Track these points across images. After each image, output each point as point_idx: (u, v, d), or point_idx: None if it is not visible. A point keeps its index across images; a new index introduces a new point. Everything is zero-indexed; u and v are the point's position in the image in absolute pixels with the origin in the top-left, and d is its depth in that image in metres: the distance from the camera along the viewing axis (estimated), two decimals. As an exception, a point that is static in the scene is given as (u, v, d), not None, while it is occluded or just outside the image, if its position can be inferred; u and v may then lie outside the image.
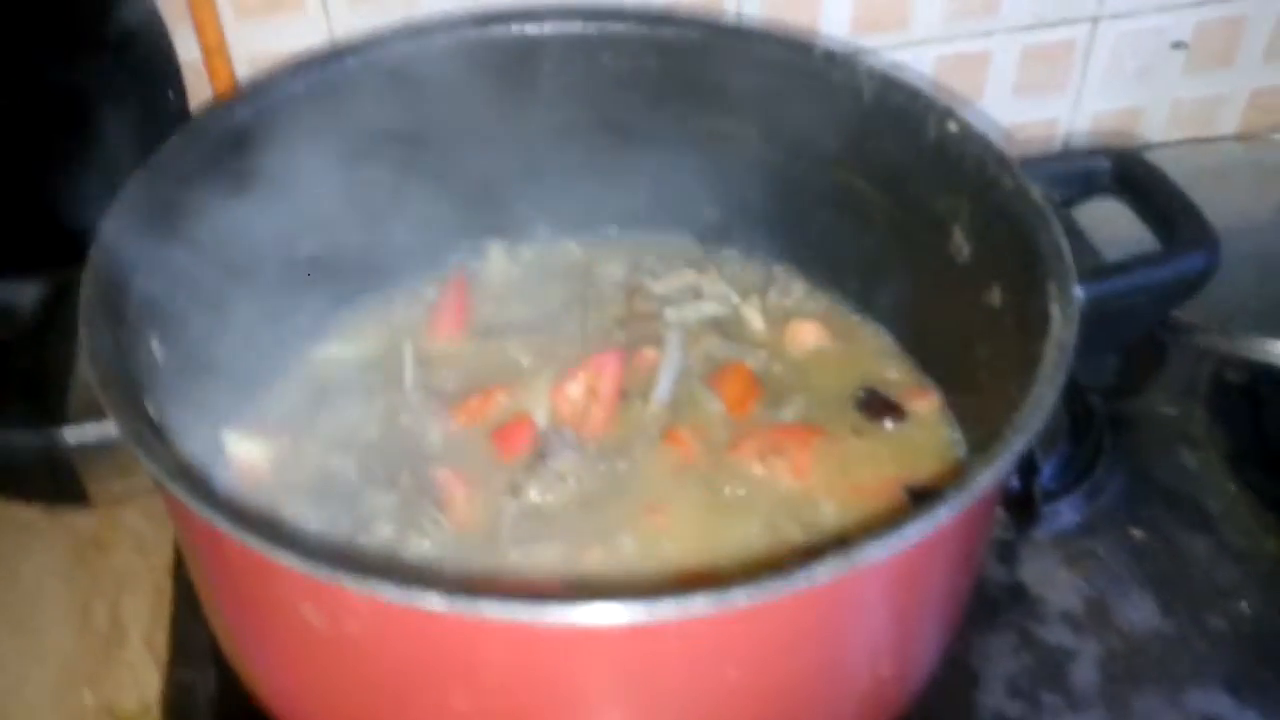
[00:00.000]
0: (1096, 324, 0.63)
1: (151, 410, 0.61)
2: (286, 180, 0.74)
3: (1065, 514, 0.87)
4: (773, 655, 0.52)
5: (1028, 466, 0.85)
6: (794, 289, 0.83)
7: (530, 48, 0.78)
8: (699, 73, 0.78)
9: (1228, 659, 0.78)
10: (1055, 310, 0.58)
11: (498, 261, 0.85)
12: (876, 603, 0.53)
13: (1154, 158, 1.13)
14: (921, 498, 0.71)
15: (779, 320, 0.81)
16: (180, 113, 0.89)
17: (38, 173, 0.86)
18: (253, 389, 0.76)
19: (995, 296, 0.66)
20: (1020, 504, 0.86)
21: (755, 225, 0.83)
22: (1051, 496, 0.88)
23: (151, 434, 0.52)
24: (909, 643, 0.60)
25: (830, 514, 0.70)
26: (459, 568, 0.67)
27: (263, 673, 0.59)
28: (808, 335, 0.80)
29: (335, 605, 0.47)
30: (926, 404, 0.76)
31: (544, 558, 0.67)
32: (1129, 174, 0.70)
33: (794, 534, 0.69)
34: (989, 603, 0.81)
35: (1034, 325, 0.60)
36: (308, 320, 0.79)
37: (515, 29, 0.77)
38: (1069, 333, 0.57)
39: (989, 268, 0.66)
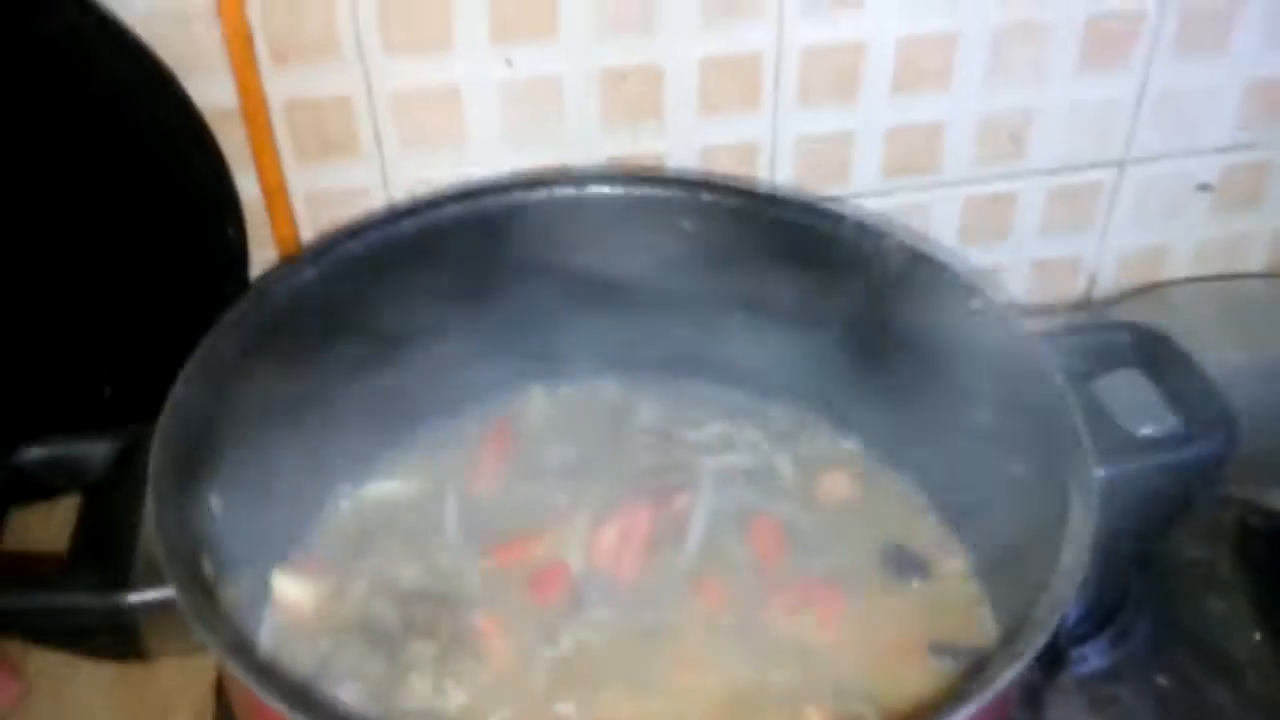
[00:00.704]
0: (1114, 499, 0.66)
1: (209, 566, 0.64)
2: (343, 335, 0.78)
3: (1091, 658, 0.88)
4: None
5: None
6: (825, 440, 0.86)
7: (574, 208, 0.82)
8: (734, 236, 0.81)
9: (1250, 816, 0.79)
10: (1075, 500, 0.60)
11: (539, 405, 0.88)
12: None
13: (1178, 294, 1.18)
14: (943, 654, 0.73)
15: (810, 471, 0.84)
16: (240, 251, 0.94)
17: (99, 323, 0.91)
18: (300, 531, 0.79)
19: (1019, 470, 0.68)
20: (1046, 651, 0.88)
21: (789, 380, 0.86)
22: (1078, 640, 0.90)
23: (212, 611, 0.55)
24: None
25: (860, 671, 0.72)
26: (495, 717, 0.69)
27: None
28: (839, 487, 0.83)
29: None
30: (954, 564, 0.78)
31: (575, 709, 0.69)
32: (1149, 350, 0.72)
33: (820, 693, 0.70)
34: (1018, 754, 0.83)
35: (1054, 507, 0.62)
36: (354, 464, 0.83)
37: (559, 192, 0.81)
38: (1088, 524, 0.59)
39: (1014, 441, 0.69)
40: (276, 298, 0.73)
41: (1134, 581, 0.93)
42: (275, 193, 0.95)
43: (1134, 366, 0.74)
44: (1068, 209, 1.13)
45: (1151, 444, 0.68)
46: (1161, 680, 0.87)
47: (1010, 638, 0.54)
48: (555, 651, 0.73)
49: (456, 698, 0.70)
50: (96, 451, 0.66)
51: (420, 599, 0.75)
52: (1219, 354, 1.09)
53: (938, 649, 0.73)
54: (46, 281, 0.90)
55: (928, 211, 1.10)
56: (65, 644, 0.61)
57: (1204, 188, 1.14)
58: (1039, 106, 1.05)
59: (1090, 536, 0.59)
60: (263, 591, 0.76)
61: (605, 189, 0.82)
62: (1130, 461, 0.66)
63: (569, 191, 0.81)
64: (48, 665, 0.87)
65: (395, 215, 0.79)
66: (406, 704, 0.70)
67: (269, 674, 0.52)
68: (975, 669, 0.54)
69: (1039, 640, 0.55)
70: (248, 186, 0.95)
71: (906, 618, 0.75)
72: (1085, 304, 1.19)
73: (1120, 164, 1.11)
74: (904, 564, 0.78)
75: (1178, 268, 1.19)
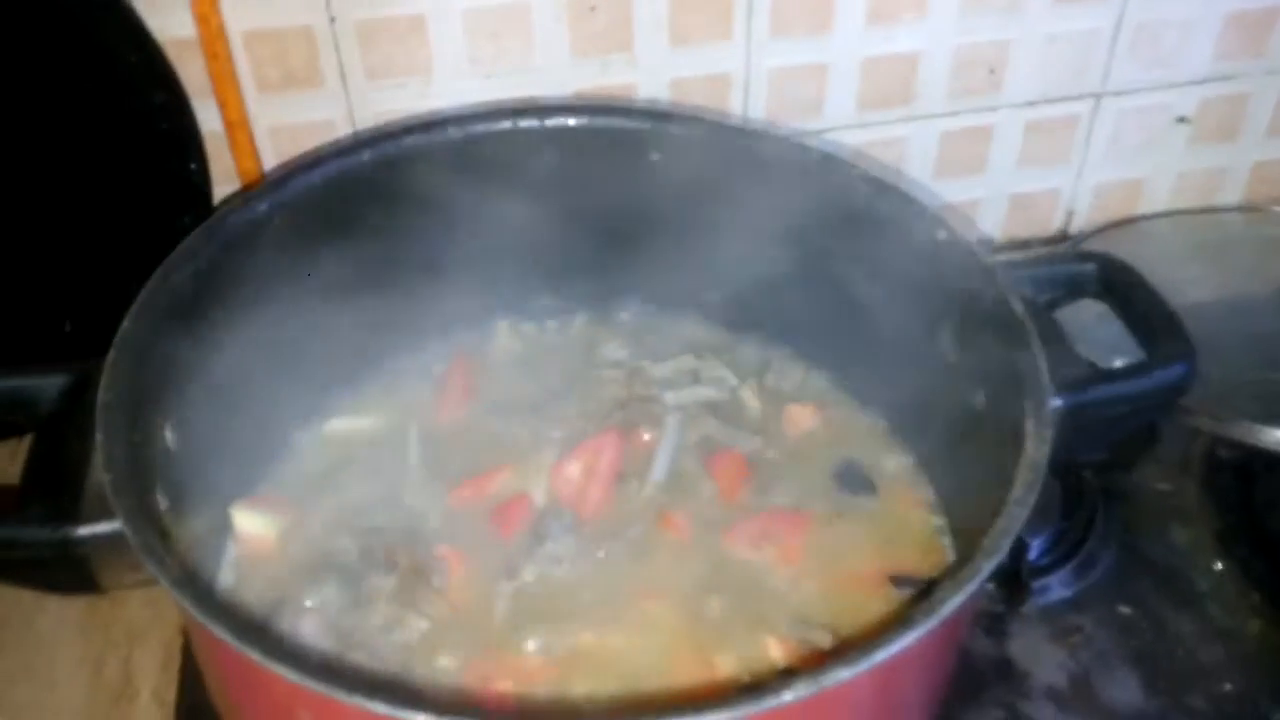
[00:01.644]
0: (1074, 428, 0.66)
1: (163, 498, 0.64)
2: (301, 269, 0.77)
3: (1055, 588, 0.89)
4: None
5: (1017, 546, 0.88)
6: (792, 373, 0.85)
7: (538, 139, 0.81)
8: (701, 167, 0.80)
9: (1208, 741, 0.80)
10: (1030, 429, 0.60)
11: (503, 339, 0.88)
12: (843, 716, 0.56)
13: (1155, 227, 1.17)
14: (904, 585, 0.73)
15: (776, 404, 0.84)
16: (202, 185, 0.93)
17: (60, 258, 0.90)
18: (262, 465, 0.79)
19: (979, 400, 0.68)
20: (1009, 581, 0.88)
21: (755, 311, 0.86)
22: (1042, 571, 0.90)
23: (160, 543, 0.55)
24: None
25: (817, 602, 0.72)
26: (455, 649, 0.69)
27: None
28: (803, 419, 0.83)
29: (325, 713, 0.49)
30: (913, 494, 0.78)
31: (537, 641, 0.70)
32: (1113, 280, 0.72)
33: (781, 623, 0.71)
34: (976, 677, 0.83)
35: (1011, 437, 0.62)
36: (317, 398, 0.82)
37: (521, 123, 0.80)
38: (1042, 453, 0.59)
39: (974, 372, 0.68)
40: (229, 232, 0.72)
41: (1100, 513, 0.94)
42: (237, 126, 0.93)
43: (1099, 297, 0.73)
44: (1044, 143, 1.12)
45: (1111, 374, 0.68)
46: (1124, 609, 0.88)
47: (959, 565, 0.54)
48: (516, 584, 0.73)
49: (417, 628, 0.70)
50: (48, 386, 0.65)
51: (380, 533, 0.75)
52: (1194, 288, 1.09)
53: (898, 580, 0.73)
54: (6, 217, 0.89)
55: (903, 146, 1.09)
56: (18, 578, 0.61)
57: (1181, 120, 1.13)
58: (1015, 38, 1.04)
59: (1043, 465, 0.59)
60: (225, 526, 0.75)
61: (570, 120, 0.81)
62: (1090, 391, 0.65)
63: (532, 123, 0.80)
64: (17, 603, 0.87)
65: (353, 146, 0.78)
66: (367, 636, 0.70)
67: (213, 604, 0.52)
68: (924, 595, 0.54)
69: (986, 566, 0.55)
70: (209, 120, 0.93)
71: (868, 549, 0.75)
72: (1062, 238, 1.18)
73: (1097, 97, 1.10)
74: (855, 482, 0.78)
75: (1155, 202, 1.18)
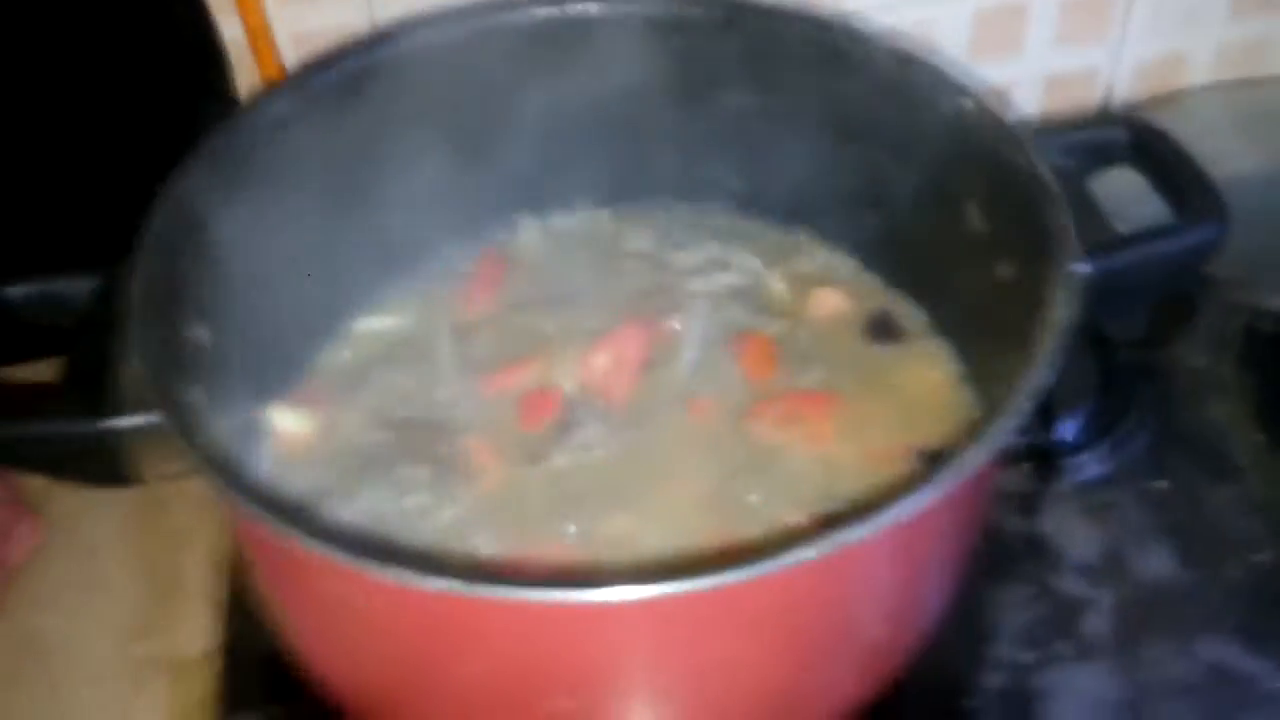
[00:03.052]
0: (1105, 294, 0.65)
1: (198, 394, 0.65)
2: (327, 166, 0.78)
3: (1090, 466, 0.89)
4: (768, 627, 0.55)
5: (1046, 421, 0.88)
6: (818, 256, 0.85)
7: (558, 28, 0.80)
8: (722, 50, 0.79)
9: (1241, 609, 0.80)
10: (1055, 294, 0.60)
11: (529, 235, 0.88)
12: (864, 577, 0.56)
13: (1198, 100, 1.14)
14: (930, 459, 0.74)
15: (803, 287, 0.84)
16: (226, 95, 0.93)
17: (88, 165, 0.91)
18: (296, 365, 0.80)
19: (1007, 271, 0.68)
20: (1042, 459, 0.88)
21: (781, 195, 0.85)
22: (1077, 449, 0.90)
23: (193, 426, 0.57)
24: (903, 610, 0.63)
25: (847, 479, 0.73)
26: (488, 533, 0.71)
27: (298, 639, 0.64)
28: (830, 302, 0.82)
29: (357, 587, 0.51)
30: (942, 365, 0.78)
31: (567, 524, 0.71)
32: (1145, 145, 0.70)
33: (808, 501, 0.71)
34: (1007, 554, 0.84)
35: (1039, 306, 0.62)
36: (348, 296, 0.83)
37: (541, 12, 0.79)
38: (1065, 317, 0.58)
39: (1002, 243, 0.68)
40: (248, 129, 0.72)
41: (1136, 390, 0.93)
42: (259, 34, 0.93)
43: (1130, 162, 0.72)
44: (1081, 19, 1.09)
45: (1140, 237, 0.67)
46: (1159, 484, 0.88)
47: (977, 427, 0.54)
48: (547, 470, 0.74)
49: (450, 514, 0.72)
50: (81, 288, 0.66)
51: (413, 426, 0.76)
52: (1237, 160, 1.07)
53: (924, 454, 0.73)
54: (32, 136, 0.90)
55: (935, 26, 1.06)
56: (60, 471, 0.63)
57: (1223, -13, 1.09)
58: (1048, -93, 1.01)
59: (1066, 329, 0.59)
60: (261, 423, 0.77)
61: (588, 7, 0.80)
62: (1118, 255, 0.64)
63: (551, 11, 0.79)
64: (66, 512, 0.90)
65: (369, 43, 0.77)
66: (403, 522, 0.71)
67: (248, 485, 0.54)
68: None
69: (1003, 427, 0.55)
70: (231, 29, 0.93)
71: (896, 426, 0.75)
72: (1104, 117, 1.15)
73: (1135, -33, 1.06)
74: (880, 330, 0.79)
75: (1197, 74, 1.15)
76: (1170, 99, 1.14)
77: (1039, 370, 0.56)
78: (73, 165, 0.92)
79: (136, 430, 0.59)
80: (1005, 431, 0.54)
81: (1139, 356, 0.95)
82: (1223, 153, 1.06)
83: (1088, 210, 0.67)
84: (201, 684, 0.79)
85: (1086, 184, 0.71)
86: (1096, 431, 0.91)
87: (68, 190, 0.93)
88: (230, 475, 0.54)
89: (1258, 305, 0.96)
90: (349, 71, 0.76)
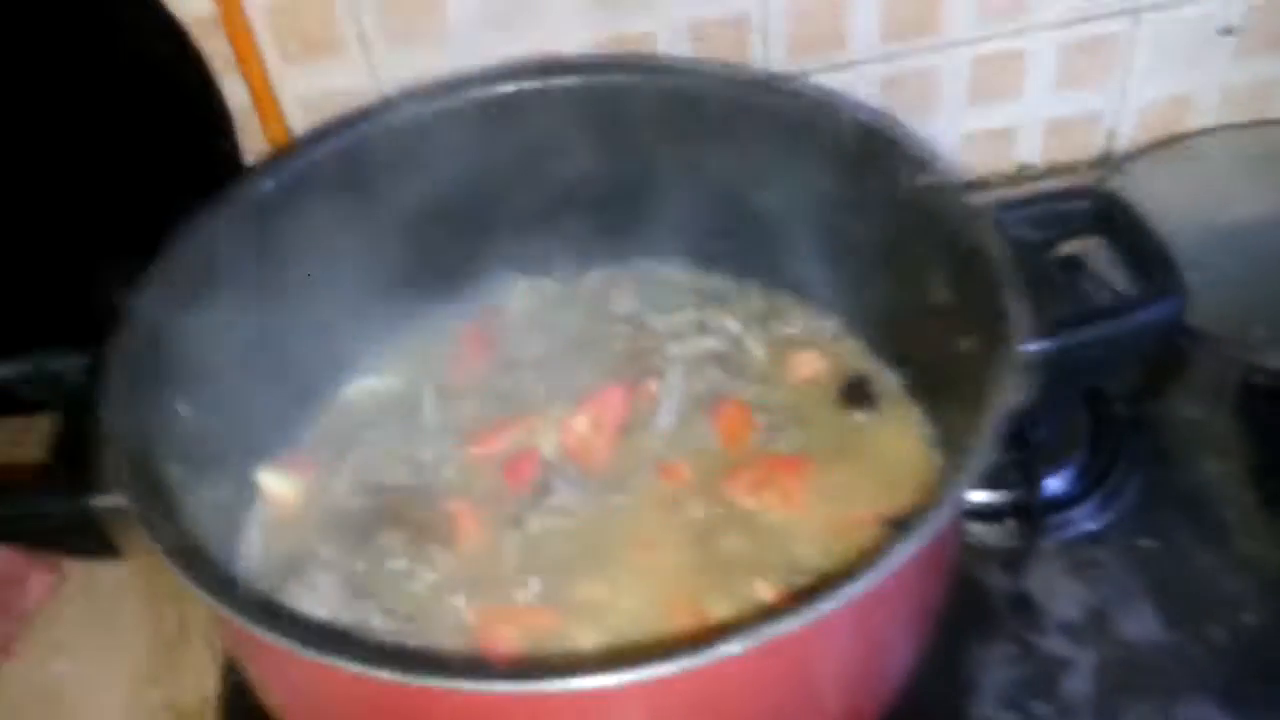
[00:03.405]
0: (1062, 370, 0.66)
1: (177, 467, 0.68)
2: (316, 239, 0.80)
3: (1078, 522, 0.89)
4: (714, 709, 0.57)
5: (1032, 477, 0.88)
6: (798, 320, 0.86)
7: (542, 100, 0.82)
8: (700, 117, 0.81)
9: (1224, 671, 0.79)
10: (1000, 373, 0.60)
11: (520, 296, 0.90)
12: (813, 658, 0.58)
13: (1202, 144, 1.14)
14: (899, 527, 0.74)
15: (781, 351, 0.85)
16: (234, 159, 0.96)
17: (90, 235, 0.94)
18: (285, 427, 0.83)
19: (970, 344, 0.68)
20: (1027, 513, 0.89)
21: (761, 257, 0.86)
22: (1065, 504, 0.90)
23: (161, 514, 0.60)
24: (861, 680, 0.64)
25: (813, 548, 0.74)
26: (462, 598, 0.73)
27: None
28: (808, 365, 0.83)
29: (318, 676, 0.53)
30: (914, 430, 0.79)
31: (540, 589, 0.73)
32: (1106, 215, 0.71)
33: (775, 570, 0.72)
34: (990, 612, 0.84)
35: (989, 381, 0.63)
36: (337, 359, 0.86)
37: (526, 85, 0.82)
38: (1008, 397, 0.59)
39: (964, 316, 0.68)
40: (237, 206, 0.75)
41: (1127, 444, 0.93)
42: (263, 97, 0.97)
43: (1094, 233, 0.72)
44: (1082, 64, 1.09)
45: (1098, 312, 0.67)
46: (1146, 542, 0.88)
47: (919, 509, 0.55)
48: (523, 534, 0.76)
49: (426, 579, 0.74)
50: (71, 365, 0.69)
51: (396, 491, 0.78)
52: (1241, 205, 1.07)
53: (893, 523, 0.74)
54: (42, 202, 0.93)
55: (934, 76, 1.07)
56: (46, 544, 0.66)
57: (1227, 32, 1.09)
58: (1048, -47, 1.01)
59: (1006, 411, 0.60)
60: (252, 488, 0.80)
61: (567, 79, 0.82)
62: (1072, 333, 0.65)
63: (534, 84, 0.82)
64: (80, 563, 0.94)
65: (356, 118, 0.80)
66: (380, 587, 0.74)
67: (206, 571, 0.56)
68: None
69: (936, 516, 0.56)
70: (237, 94, 0.97)
71: (868, 493, 0.76)
72: (1105, 161, 1.15)
73: (1135, 12, 1.06)
74: (856, 395, 0.80)
75: (1202, 118, 1.14)
76: (1175, 143, 1.13)
77: (971, 456, 0.57)
78: (74, 234, 0.95)
79: (116, 509, 0.62)
80: (934, 522, 0.55)
81: (1132, 409, 0.94)
82: (1227, 197, 1.07)
83: (1048, 284, 0.67)
84: (204, 732, 0.82)
85: (1049, 256, 0.71)
86: (1085, 486, 0.91)
87: (69, 262, 0.95)
88: (188, 561, 0.56)
89: (1254, 359, 0.95)
90: (338, 147, 0.79)
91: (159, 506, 0.61)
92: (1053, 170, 1.16)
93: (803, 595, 0.54)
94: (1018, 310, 0.63)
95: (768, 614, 0.52)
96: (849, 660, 0.62)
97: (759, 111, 0.79)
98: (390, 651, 0.59)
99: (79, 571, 0.94)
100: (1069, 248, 0.76)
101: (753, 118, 0.80)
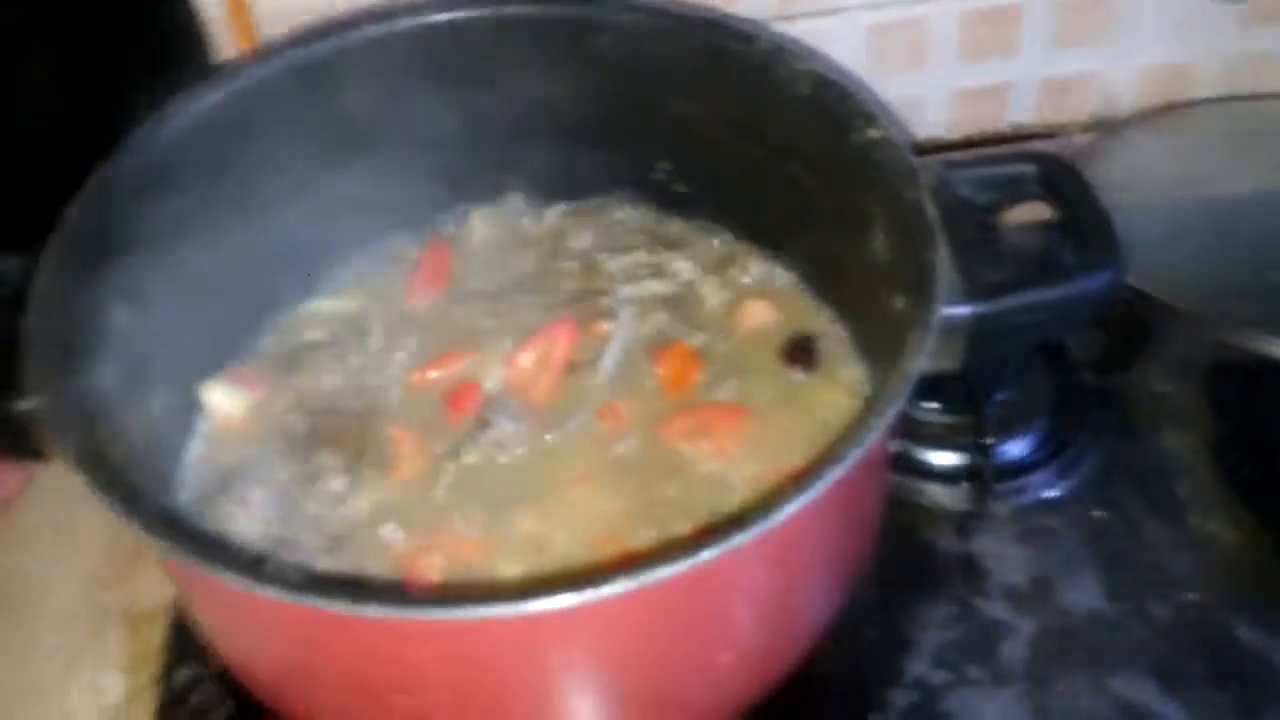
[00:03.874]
0: (988, 335, 0.65)
1: (113, 373, 0.68)
2: (272, 154, 0.80)
3: (1034, 488, 0.88)
4: (640, 636, 0.58)
5: (986, 440, 0.87)
6: (754, 268, 0.85)
7: (506, 27, 0.81)
8: (656, 57, 0.80)
9: (1162, 648, 0.79)
10: (910, 338, 0.60)
11: (478, 228, 0.90)
12: (723, 591, 0.59)
13: (1203, 114, 1.11)
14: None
15: (734, 299, 0.84)
16: (204, 73, 0.96)
17: (57, 140, 0.93)
18: (236, 342, 0.83)
19: (901, 303, 0.67)
20: (980, 476, 0.88)
21: (716, 202, 0.86)
22: (1022, 470, 0.89)
23: (77, 420, 0.60)
24: (778, 618, 0.64)
25: (741, 496, 0.73)
26: (394, 524, 0.73)
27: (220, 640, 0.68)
28: (758, 315, 0.83)
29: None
30: (854, 387, 0.78)
31: (471, 520, 0.73)
32: (1054, 181, 0.69)
33: (702, 514, 0.72)
34: (936, 572, 0.84)
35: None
36: (293, 279, 0.86)
37: (489, 11, 0.81)
38: (911, 365, 0.59)
39: (897, 275, 0.68)
40: (182, 121, 0.75)
41: (1091, 412, 0.92)
42: (238, 11, 0.96)
43: (1041, 199, 0.71)
44: (1081, 21, 1.06)
45: (1030, 281, 0.66)
46: (1098, 513, 0.87)
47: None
48: (459, 465, 0.76)
49: (360, 504, 0.74)
50: (9, 267, 0.69)
51: (338, 414, 0.79)
52: (1235, 179, 1.04)
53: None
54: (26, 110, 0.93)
55: (924, 27, 1.05)
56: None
57: (1232, 0, 1.05)
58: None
59: (913, 374, 0.59)
60: (196, 401, 0.80)
61: (519, 10, 0.81)
62: (1002, 300, 0.64)
63: (483, 12, 0.81)
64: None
65: (305, 37, 0.79)
66: (313, 508, 0.74)
67: (106, 476, 0.56)
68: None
69: (837, 462, 0.55)
70: (210, 4, 0.96)
71: (802, 445, 0.75)
72: (1100, 126, 1.13)
73: (1135, -26, 1.03)
74: (796, 353, 0.79)
75: (1202, 88, 1.11)
76: (1172, 111, 1.11)
77: (873, 417, 0.56)
78: (41, 140, 0.95)
79: (34, 412, 0.62)
80: (828, 478, 0.55)
81: (1098, 378, 0.93)
82: (1218, 171, 1.04)
83: (987, 248, 0.66)
84: (157, 636, 0.83)
85: (995, 219, 0.70)
86: (1045, 453, 0.90)
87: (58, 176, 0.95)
88: (93, 469, 0.57)
89: (1225, 337, 0.93)
90: (284, 66, 0.78)
91: (77, 413, 0.61)
92: (1047, 131, 1.13)
93: (716, 529, 0.53)
94: (940, 271, 0.62)
95: (681, 545, 0.51)
96: (761, 595, 0.62)
97: (717, 55, 0.78)
98: (275, 570, 0.60)
99: (51, 469, 0.94)
100: (1028, 212, 0.75)
101: (710, 61, 0.78)
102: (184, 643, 0.82)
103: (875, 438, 0.56)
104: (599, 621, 0.57)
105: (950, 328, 0.61)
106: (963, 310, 0.62)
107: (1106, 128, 1.11)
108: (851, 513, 0.65)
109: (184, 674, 0.80)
